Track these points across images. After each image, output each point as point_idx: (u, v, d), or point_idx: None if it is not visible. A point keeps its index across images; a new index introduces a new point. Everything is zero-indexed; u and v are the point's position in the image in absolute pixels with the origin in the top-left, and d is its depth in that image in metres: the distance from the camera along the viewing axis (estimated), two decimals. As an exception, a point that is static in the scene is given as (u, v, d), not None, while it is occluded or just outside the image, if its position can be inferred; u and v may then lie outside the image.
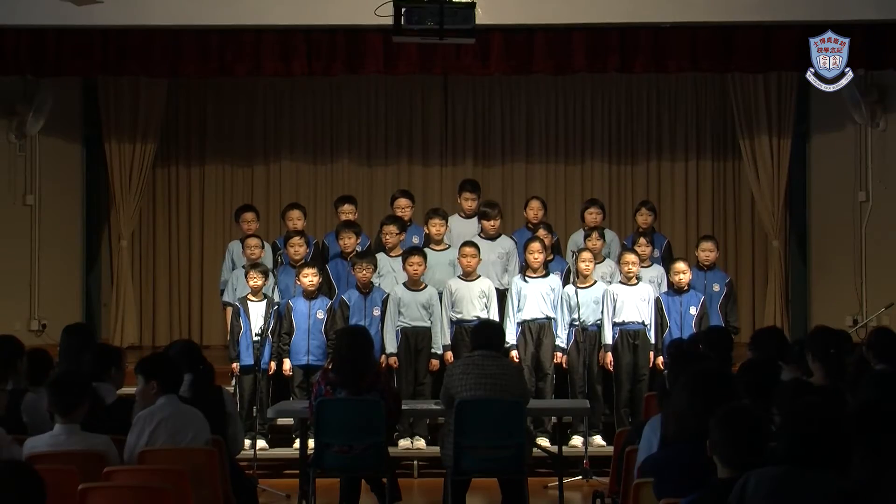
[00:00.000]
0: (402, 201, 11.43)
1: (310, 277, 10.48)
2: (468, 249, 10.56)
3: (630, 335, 10.56)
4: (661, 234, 12.17)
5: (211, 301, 13.52)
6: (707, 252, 11.17)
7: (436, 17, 9.96)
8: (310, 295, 10.52)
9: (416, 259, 10.47)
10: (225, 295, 11.26)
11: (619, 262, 10.85)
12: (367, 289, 10.51)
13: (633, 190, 14.21)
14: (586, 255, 10.67)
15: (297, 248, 10.93)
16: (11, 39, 11.63)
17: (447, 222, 11.09)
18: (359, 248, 11.01)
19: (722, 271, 11.61)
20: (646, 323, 10.56)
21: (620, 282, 10.71)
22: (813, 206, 13.55)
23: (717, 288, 11.04)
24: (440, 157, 14.43)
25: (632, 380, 10.53)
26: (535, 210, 11.47)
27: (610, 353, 10.54)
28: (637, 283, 10.66)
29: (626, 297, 10.57)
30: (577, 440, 10.43)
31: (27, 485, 3.71)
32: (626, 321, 10.54)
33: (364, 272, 10.44)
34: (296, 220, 11.31)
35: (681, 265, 10.75)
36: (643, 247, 11.00)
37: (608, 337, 10.55)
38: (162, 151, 14.11)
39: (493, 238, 11.04)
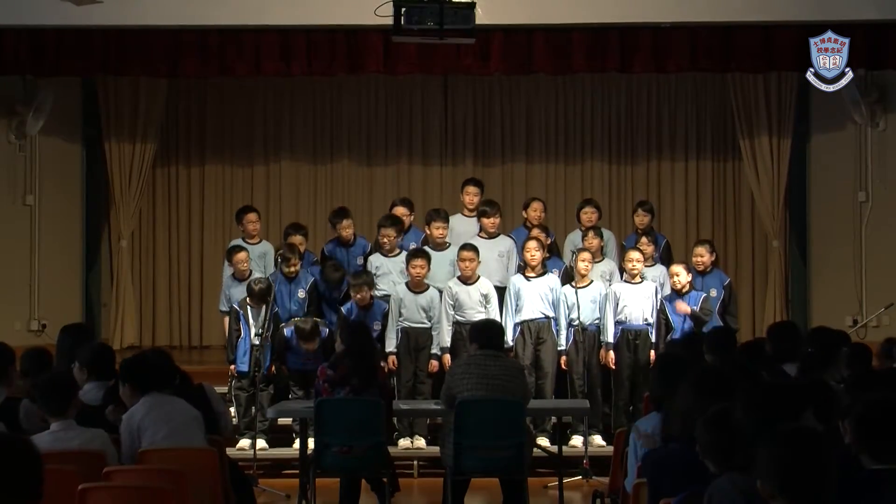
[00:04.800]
0: (401, 209, 11.37)
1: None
2: (466, 254, 10.51)
3: (631, 334, 10.55)
4: (661, 234, 12.17)
5: (211, 301, 13.50)
6: (699, 257, 11.13)
7: (436, 17, 9.97)
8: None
9: (419, 262, 10.45)
10: (221, 305, 11.23)
11: (622, 260, 10.85)
12: (367, 307, 10.45)
13: (633, 190, 14.21)
14: (585, 255, 10.66)
15: (291, 269, 10.79)
16: (11, 39, 11.64)
17: (449, 223, 11.08)
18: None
19: (721, 273, 11.49)
20: (649, 321, 10.55)
21: (625, 280, 10.71)
22: (813, 206, 13.55)
23: (713, 293, 10.95)
24: (440, 157, 14.43)
25: (632, 378, 10.52)
26: (538, 211, 11.46)
27: (612, 352, 10.54)
28: (641, 281, 10.65)
29: (629, 297, 10.56)
30: (577, 440, 10.42)
31: (23, 459, 3.62)
32: (627, 320, 10.53)
33: (361, 293, 10.38)
34: (298, 244, 11.15)
35: (674, 268, 10.73)
36: (645, 245, 11.00)
37: (610, 335, 10.55)
38: (162, 151, 14.11)
39: (492, 237, 11.04)
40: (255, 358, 10.18)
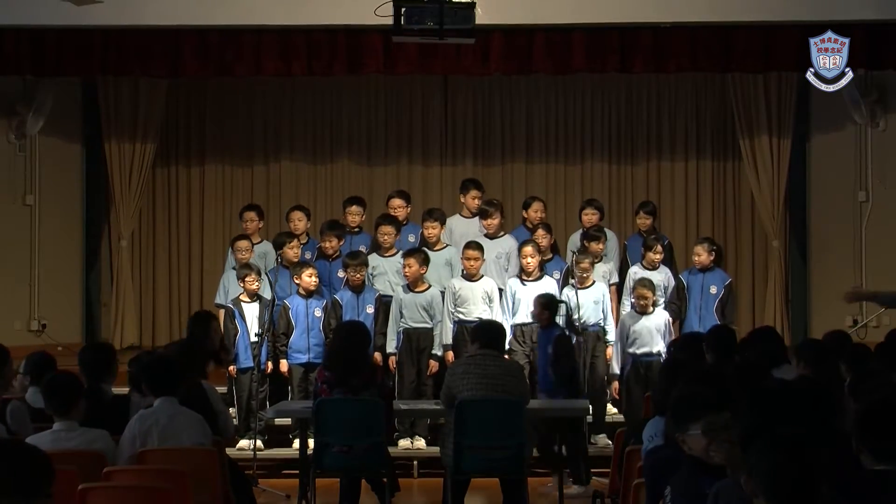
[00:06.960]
0: (396, 201, 11.48)
1: (311, 276, 10.51)
2: (471, 252, 10.53)
3: (643, 366, 10.37)
4: (663, 234, 12.17)
5: (211, 301, 13.51)
6: (697, 256, 11.15)
7: (436, 17, 9.97)
8: (308, 293, 10.53)
9: (408, 261, 10.49)
10: (218, 297, 11.26)
11: (633, 294, 10.64)
12: (359, 288, 10.51)
13: (634, 190, 14.19)
14: (581, 257, 10.67)
15: (294, 250, 10.91)
16: (11, 39, 11.64)
17: (441, 223, 11.09)
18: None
19: (722, 272, 11.53)
20: (661, 353, 10.30)
21: (637, 311, 10.53)
22: (813, 206, 13.54)
23: (713, 290, 10.99)
24: (440, 157, 14.41)
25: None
26: (538, 211, 11.50)
27: (617, 382, 10.51)
28: (653, 310, 10.54)
29: (640, 328, 10.45)
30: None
31: (30, 461, 3.62)
32: (638, 352, 10.41)
33: (355, 273, 10.44)
34: (297, 221, 11.38)
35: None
36: (658, 253, 10.98)
37: (616, 367, 10.49)
38: (162, 151, 14.10)
39: (492, 237, 11.04)
40: (254, 356, 10.22)
